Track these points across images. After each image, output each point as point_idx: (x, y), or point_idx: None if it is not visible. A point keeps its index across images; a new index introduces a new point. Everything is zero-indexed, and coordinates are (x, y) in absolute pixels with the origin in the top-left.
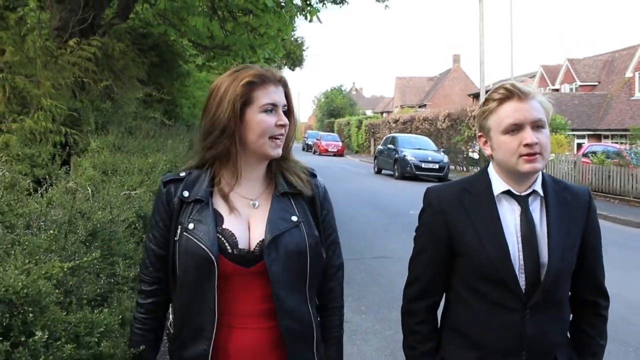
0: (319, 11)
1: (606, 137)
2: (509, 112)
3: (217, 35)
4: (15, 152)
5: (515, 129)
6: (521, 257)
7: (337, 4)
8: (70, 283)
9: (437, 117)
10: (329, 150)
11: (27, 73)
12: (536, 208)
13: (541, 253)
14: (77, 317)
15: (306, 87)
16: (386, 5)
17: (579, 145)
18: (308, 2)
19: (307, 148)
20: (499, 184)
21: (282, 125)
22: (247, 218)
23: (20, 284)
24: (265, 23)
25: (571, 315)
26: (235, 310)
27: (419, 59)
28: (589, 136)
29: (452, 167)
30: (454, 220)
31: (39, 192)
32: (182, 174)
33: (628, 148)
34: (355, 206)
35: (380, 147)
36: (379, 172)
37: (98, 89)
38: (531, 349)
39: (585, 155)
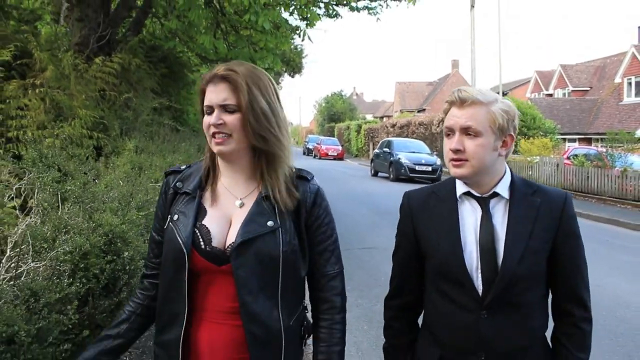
0: (314, 25)
1: (596, 140)
2: (448, 117)
3: (221, 50)
4: (65, 153)
5: (450, 133)
6: (477, 257)
7: (331, 17)
8: (130, 233)
9: (432, 122)
10: (329, 154)
11: (61, 87)
12: (499, 210)
13: (499, 254)
14: (144, 247)
15: (308, 92)
16: (378, 19)
17: None
18: (305, 17)
19: (308, 152)
20: (460, 186)
21: (215, 125)
22: (229, 216)
23: (115, 223)
24: (265, 39)
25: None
26: (206, 304)
27: (418, 64)
28: (580, 139)
29: (445, 169)
30: (419, 222)
31: (89, 182)
32: (183, 167)
33: (604, 151)
34: (350, 205)
35: (376, 150)
36: (375, 174)
37: (121, 100)
38: (489, 350)
39: (569, 157)
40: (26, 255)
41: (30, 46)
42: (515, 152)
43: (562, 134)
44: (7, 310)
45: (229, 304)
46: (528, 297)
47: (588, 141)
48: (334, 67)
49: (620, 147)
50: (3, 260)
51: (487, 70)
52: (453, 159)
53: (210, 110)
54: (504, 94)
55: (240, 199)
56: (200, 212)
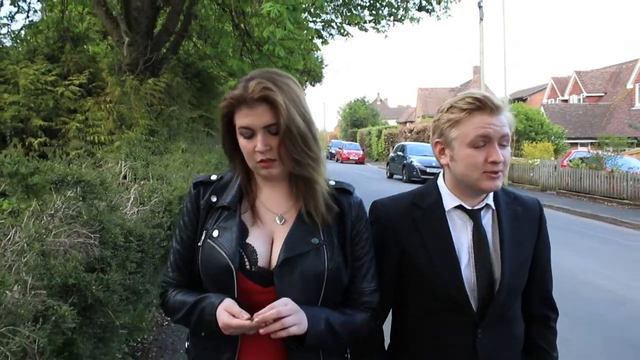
0: (327, 43)
1: (615, 145)
2: (478, 125)
3: (247, 70)
4: (146, 150)
5: (483, 143)
6: (474, 274)
7: (343, 36)
8: None
9: None
10: (351, 158)
11: (123, 102)
12: (488, 222)
13: (494, 269)
14: None
15: (333, 98)
16: (386, 36)
17: None
18: (319, 35)
19: (331, 156)
20: (449, 199)
21: (262, 151)
22: (271, 234)
23: (184, 187)
24: (281, 61)
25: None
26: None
27: (442, 69)
28: (592, 144)
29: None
30: (405, 237)
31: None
32: (213, 177)
33: (595, 153)
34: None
35: (392, 154)
36: (390, 177)
37: (168, 111)
38: None
39: (571, 160)
40: (137, 205)
41: (104, 74)
42: (518, 155)
43: (574, 139)
44: (140, 223)
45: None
46: (515, 308)
47: (600, 145)
48: (359, 73)
49: (610, 150)
50: (128, 206)
51: (508, 75)
52: (492, 172)
53: (250, 133)
54: (524, 100)
55: (281, 215)
56: (242, 229)
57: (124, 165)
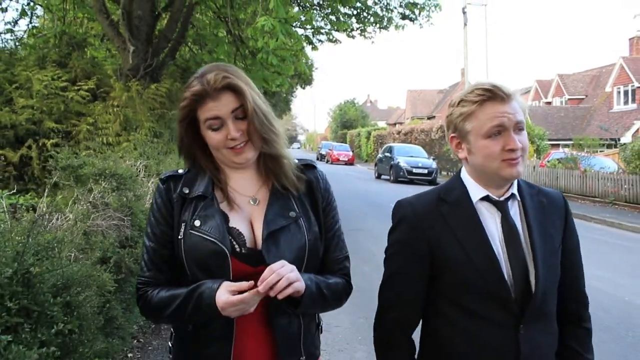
0: (317, 49)
1: (588, 146)
2: (491, 115)
3: None
4: (142, 151)
5: (498, 132)
6: (508, 265)
7: (332, 42)
8: None
9: (432, 129)
10: (340, 159)
11: (129, 106)
12: (516, 213)
13: (527, 259)
14: None
15: (323, 100)
16: (372, 42)
17: None
18: (310, 41)
19: (321, 157)
20: (476, 190)
21: (234, 138)
22: (249, 216)
23: None
24: (273, 67)
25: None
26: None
27: (431, 71)
28: (573, 145)
29: (443, 172)
30: (435, 233)
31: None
32: (181, 171)
33: (570, 154)
34: (348, 200)
35: (379, 155)
36: (378, 177)
37: (169, 115)
38: None
39: (549, 161)
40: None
41: (112, 80)
42: None
43: (556, 140)
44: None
45: (261, 306)
46: (552, 303)
47: (580, 147)
48: (349, 75)
49: (589, 150)
50: (148, 197)
51: (493, 79)
52: (511, 159)
53: (219, 123)
54: None
55: (253, 196)
56: (223, 215)
57: (141, 163)
